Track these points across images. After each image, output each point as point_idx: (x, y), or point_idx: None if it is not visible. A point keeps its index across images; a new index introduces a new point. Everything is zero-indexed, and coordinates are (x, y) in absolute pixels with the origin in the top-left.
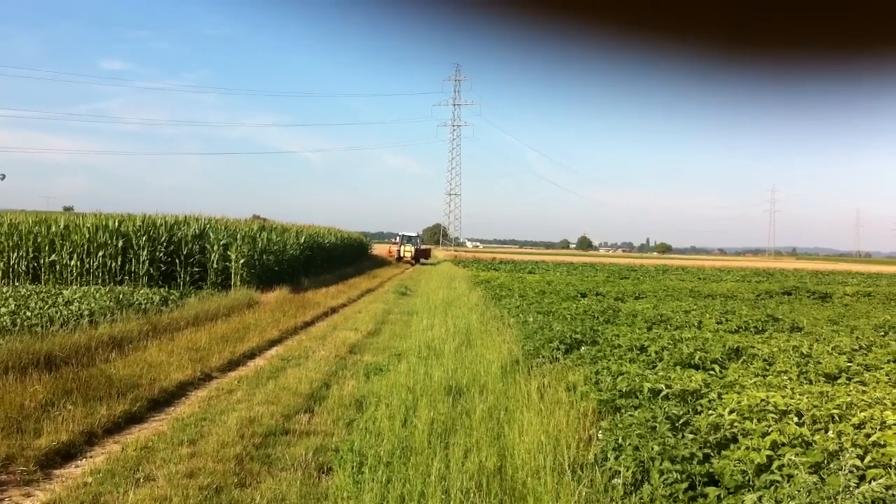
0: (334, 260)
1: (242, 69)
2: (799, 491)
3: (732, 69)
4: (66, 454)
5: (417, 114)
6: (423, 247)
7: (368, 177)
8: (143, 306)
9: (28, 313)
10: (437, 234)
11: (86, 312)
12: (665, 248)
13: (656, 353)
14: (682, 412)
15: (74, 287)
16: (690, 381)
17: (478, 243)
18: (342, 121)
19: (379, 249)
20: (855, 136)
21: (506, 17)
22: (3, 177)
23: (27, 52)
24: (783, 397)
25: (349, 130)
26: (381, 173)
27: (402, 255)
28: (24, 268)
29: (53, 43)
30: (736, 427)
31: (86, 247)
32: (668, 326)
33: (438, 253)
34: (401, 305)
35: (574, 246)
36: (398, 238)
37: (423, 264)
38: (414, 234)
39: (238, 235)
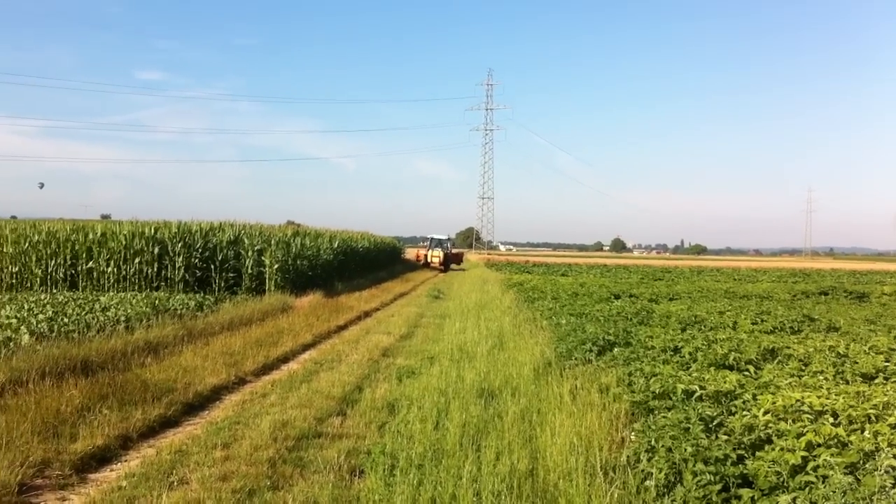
0: (367, 264)
1: (275, 77)
2: (834, 492)
3: (768, 69)
4: (101, 458)
5: (450, 119)
6: (454, 251)
7: (401, 182)
8: (179, 312)
9: (65, 319)
10: (470, 238)
11: (122, 318)
12: (700, 250)
13: (690, 354)
14: (715, 413)
15: (111, 293)
16: (725, 382)
17: (511, 246)
18: (375, 126)
19: (411, 254)
20: (892, 135)
21: (537, 22)
22: (42, 185)
23: (65, 63)
24: (819, 398)
25: (382, 136)
26: (414, 178)
27: (429, 260)
28: (61, 275)
29: (90, 54)
30: (770, 428)
31: (122, 254)
32: (703, 327)
33: (471, 256)
34: (433, 309)
35: (608, 248)
36: (428, 241)
37: (455, 270)
38: (444, 238)
39: (272, 241)
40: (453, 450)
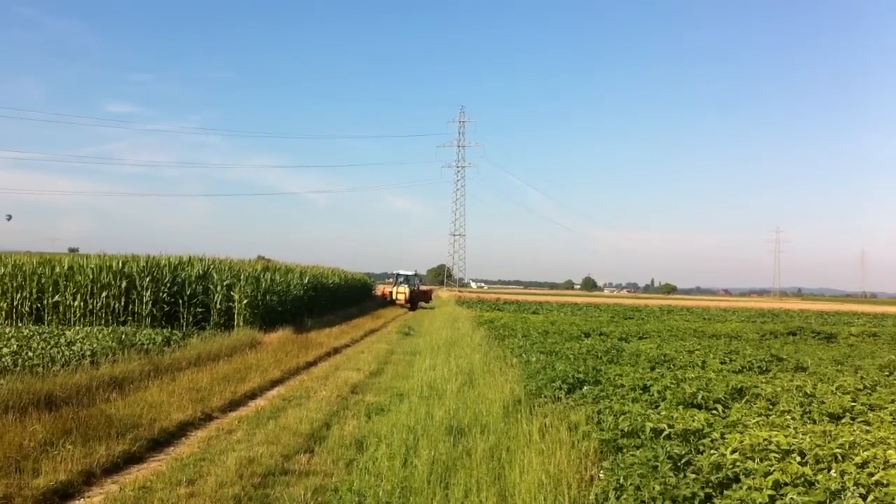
0: (338, 300)
1: (247, 111)
2: None
3: (737, 110)
4: (64, 494)
5: (422, 155)
6: (422, 288)
7: (373, 217)
8: (146, 347)
9: (30, 353)
10: (441, 275)
11: (87, 353)
12: (670, 289)
13: (659, 392)
14: (684, 452)
15: (77, 327)
16: (693, 421)
17: (482, 284)
18: (346, 162)
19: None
20: (860, 177)
21: (510, 60)
22: (10, 217)
23: (33, 94)
24: (786, 437)
25: (354, 171)
26: (385, 214)
27: (394, 297)
28: (27, 308)
29: (59, 86)
30: (738, 466)
31: (89, 287)
32: (672, 366)
33: (443, 293)
34: (404, 345)
35: (579, 286)
36: (394, 278)
37: (423, 308)
38: (411, 273)
39: (241, 276)
40: (421, 487)
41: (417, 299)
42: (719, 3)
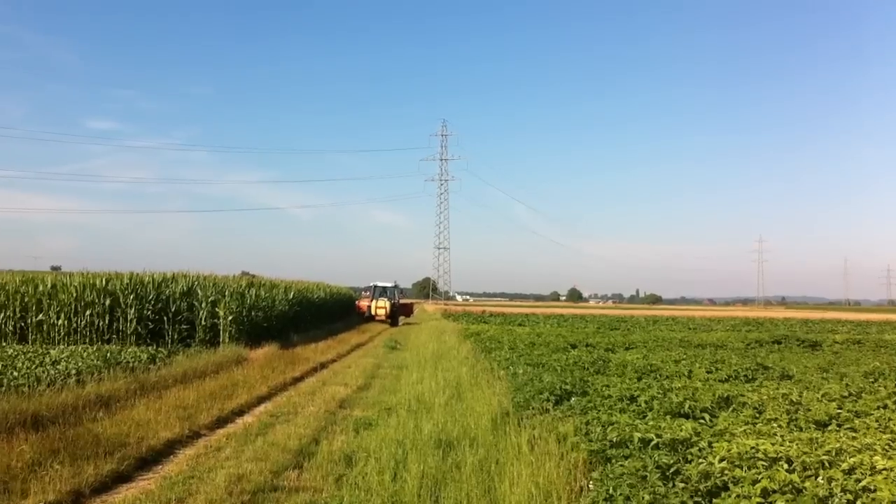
0: (323, 315)
1: (229, 126)
2: None
3: (721, 121)
4: None
5: (405, 169)
6: (402, 301)
7: (357, 232)
8: (131, 364)
9: (15, 373)
10: (426, 288)
11: (73, 371)
12: (655, 299)
13: (646, 402)
14: (672, 461)
15: (62, 346)
16: (680, 430)
17: (467, 296)
18: (329, 177)
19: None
20: (843, 186)
21: (492, 73)
22: None
23: (13, 112)
24: (773, 444)
25: (337, 186)
26: (369, 228)
27: (374, 312)
28: (10, 328)
29: (40, 103)
30: (726, 475)
31: (73, 306)
32: (659, 376)
33: (428, 307)
34: (390, 359)
35: (564, 298)
36: (370, 289)
37: (407, 323)
38: (390, 285)
39: (226, 292)
40: (411, 501)
41: (398, 314)
42: (703, 12)
